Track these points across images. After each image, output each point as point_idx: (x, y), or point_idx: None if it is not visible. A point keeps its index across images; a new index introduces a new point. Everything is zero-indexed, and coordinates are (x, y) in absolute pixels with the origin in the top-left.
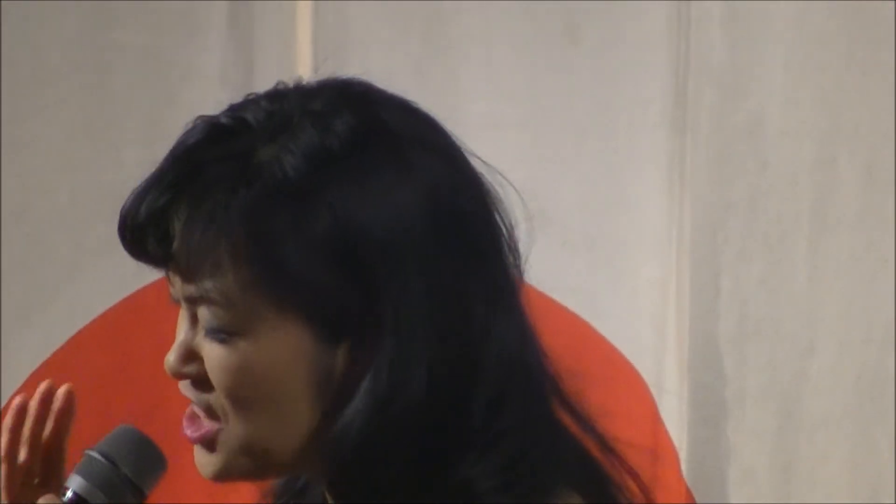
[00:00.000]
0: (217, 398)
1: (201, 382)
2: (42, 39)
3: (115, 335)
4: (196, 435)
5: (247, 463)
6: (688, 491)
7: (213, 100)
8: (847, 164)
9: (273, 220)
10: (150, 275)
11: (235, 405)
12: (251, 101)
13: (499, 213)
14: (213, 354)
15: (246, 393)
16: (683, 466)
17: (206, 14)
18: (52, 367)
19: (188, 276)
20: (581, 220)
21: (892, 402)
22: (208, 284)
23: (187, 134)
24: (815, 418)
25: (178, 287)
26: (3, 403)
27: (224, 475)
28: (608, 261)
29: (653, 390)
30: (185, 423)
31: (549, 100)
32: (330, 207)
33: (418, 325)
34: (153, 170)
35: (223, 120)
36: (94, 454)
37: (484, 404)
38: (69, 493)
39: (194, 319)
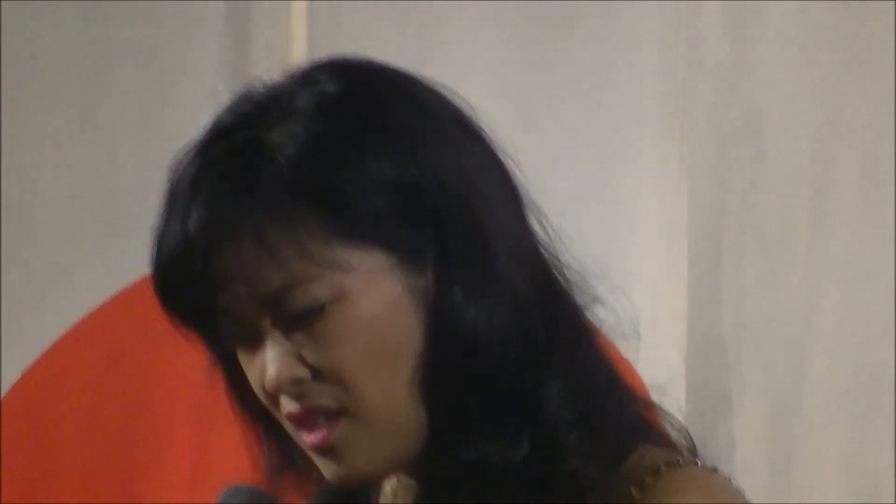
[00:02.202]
0: (329, 390)
1: (309, 383)
2: (39, 36)
3: (104, 332)
4: (321, 437)
5: (374, 454)
6: None
7: (209, 97)
8: (845, 159)
9: (319, 164)
10: (143, 272)
11: (353, 373)
12: (229, 110)
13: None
14: (319, 333)
15: (360, 354)
16: None
17: (203, 11)
18: (44, 365)
19: (260, 276)
20: (576, 217)
21: (891, 398)
22: (289, 268)
23: (185, 162)
24: (813, 414)
25: (248, 300)
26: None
27: (356, 475)
28: (603, 257)
29: (650, 387)
30: (303, 433)
31: (544, 96)
32: (366, 135)
33: (497, 249)
34: (168, 205)
35: (212, 131)
36: None
37: (559, 343)
38: None
39: (279, 321)
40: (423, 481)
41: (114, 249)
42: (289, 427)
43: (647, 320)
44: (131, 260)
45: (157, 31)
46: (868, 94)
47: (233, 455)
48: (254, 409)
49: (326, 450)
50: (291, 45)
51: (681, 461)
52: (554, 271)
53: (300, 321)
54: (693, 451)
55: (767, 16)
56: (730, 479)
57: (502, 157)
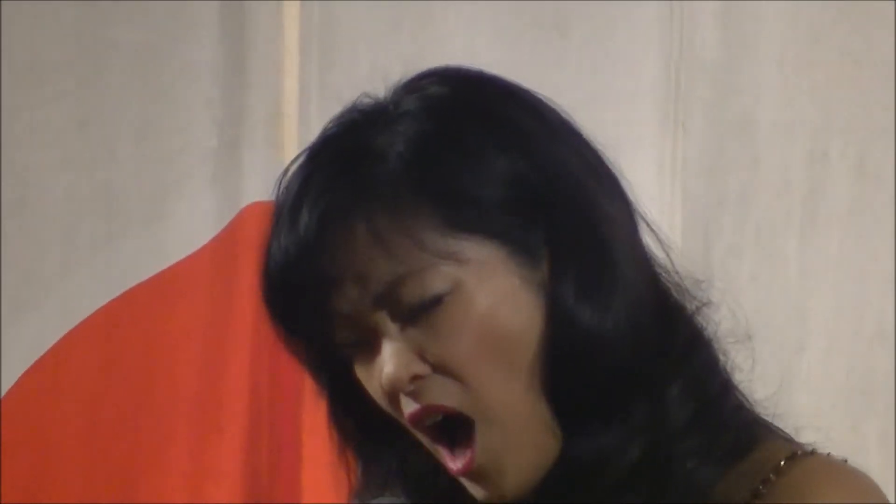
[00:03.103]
0: (449, 385)
1: (429, 379)
2: (38, 37)
3: (105, 333)
4: (467, 462)
5: (521, 467)
6: None
7: (205, 97)
8: (839, 159)
9: (431, 158)
10: (143, 272)
11: (474, 367)
12: (339, 118)
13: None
14: (436, 326)
15: (478, 345)
16: None
17: (198, 12)
18: (44, 366)
19: (375, 270)
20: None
21: (882, 398)
22: (403, 258)
23: (297, 173)
24: (805, 414)
25: (362, 298)
26: None
27: (508, 492)
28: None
29: None
30: (447, 459)
31: (540, 89)
32: (475, 129)
33: (611, 241)
34: (277, 214)
35: (324, 137)
36: None
37: (675, 346)
38: None
39: (395, 317)
40: (541, 479)
41: (113, 249)
42: (427, 444)
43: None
44: (131, 259)
45: (154, 31)
46: (862, 94)
47: (234, 455)
48: (358, 429)
49: (475, 474)
50: (284, 45)
51: (813, 450)
52: (664, 275)
53: (416, 314)
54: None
55: (763, 17)
56: (860, 471)
57: (608, 162)
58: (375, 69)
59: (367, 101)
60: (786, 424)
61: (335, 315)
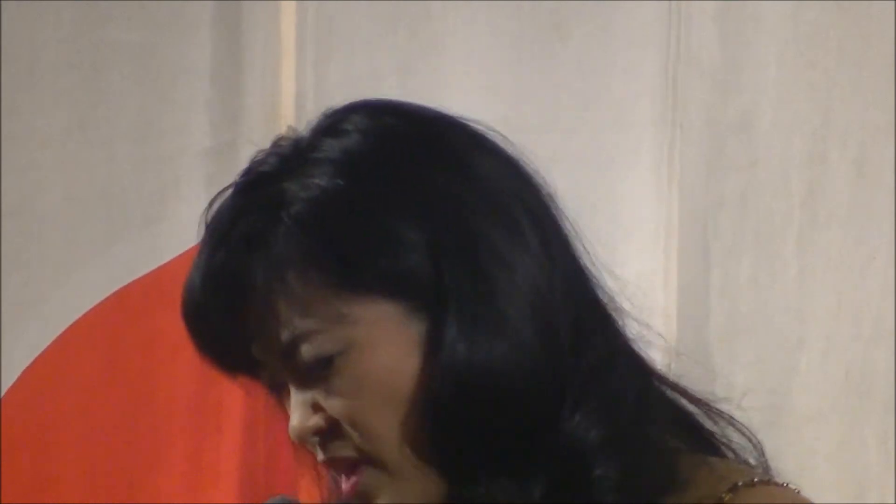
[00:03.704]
0: (350, 437)
1: (329, 431)
2: (37, 38)
3: (103, 331)
4: (350, 486)
5: (402, 499)
6: None
7: (203, 98)
8: (837, 160)
9: (327, 220)
10: (141, 273)
11: (367, 420)
12: (260, 157)
13: (551, 201)
14: (331, 384)
15: (372, 401)
16: None
17: (195, 13)
18: (43, 364)
19: (272, 331)
20: (570, 217)
21: (881, 398)
22: (294, 323)
23: (214, 215)
24: (804, 414)
25: (269, 350)
26: None
27: None
28: (596, 257)
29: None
30: (340, 481)
31: (537, 97)
32: (376, 189)
33: (501, 286)
34: (196, 261)
35: (240, 181)
36: None
37: (581, 375)
38: None
39: (295, 376)
40: None
41: (112, 250)
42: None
43: (638, 320)
44: (130, 260)
45: (151, 32)
46: (861, 95)
47: (232, 455)
48: None
49: (358, 496)
50: (281, 46)
51: (756, 479)
52: (597, 301)
53: (312, 373)
54: (765, 463)
55: (762, 18)
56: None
57: (544, 198)
58: (372, 70)
59: (285, 142)
60: (785, 424)
61: (257, 361)
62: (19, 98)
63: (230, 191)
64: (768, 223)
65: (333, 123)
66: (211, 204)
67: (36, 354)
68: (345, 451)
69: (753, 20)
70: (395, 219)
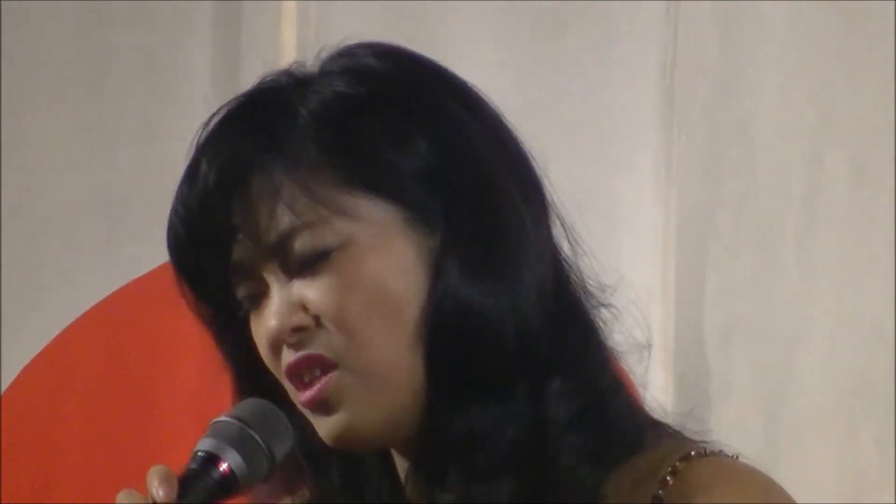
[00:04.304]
0: (330, 337)
1: (309, 330)
2: (39, 40)
3: (105, 328)
4: (315, 391)
5: (369, 409)
6: None
7: (204, 99)
8: (836, 161)
9: (343, 117)
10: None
11: (355, 321)
12: (271, 76)
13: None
14: (324, 278)
15: (362, 302)
16: None
17: (196, 14)
18: (43, 363)
19: (270, 221)
20: (568, 218)
21: (879, 399)
22: (297, 211)
23: (221, 118)
24: (802, 415)
25: (256, 249)
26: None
27: (351, 431)
28: (597, 255)
29: (638, 386)
30: (299, 392)
31: (536, 98)
32: (393, 100)
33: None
34: (187, 168)
35: (253, 88)
36: (222, 417)
37: (564, 342)
38: (199, 454)
39: (285, 269)
40: (415, 458)
41: (115, 252)
42: (289, 389)
43: (636, 320)
44: (132, 261)
45: (152, 34)
46: (860, 96)
47: None
48: (255, 391)
49: (321, 404)
50: (281, 47)
51: (707, 450)
52: (569, 275)
53: (305, 266)
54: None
55: (762, 20)
56: (755, 468)
57: (530, 160)
58: None
59: (297, 65)
60: (783, 424)
61: (232, 267)
62: (21, 99)
63: (225, 108)
64: (767, 224)
65: (342, 52)
66: (206, 124)
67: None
68: (323, 348)
69: (753, 22)
70: (409, 128)
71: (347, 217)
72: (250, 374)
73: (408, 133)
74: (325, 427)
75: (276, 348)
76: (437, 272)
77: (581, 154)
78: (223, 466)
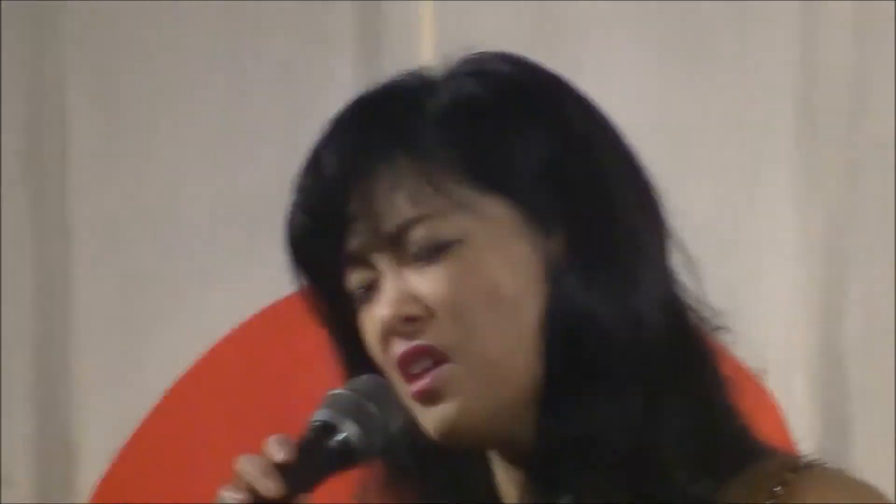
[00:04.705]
0: (443, 329)
1: (421, 320)
2: (183, 44)
3: (248, 349)
4: (426, 381)
5: (478, 402)
6: None
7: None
8: None
9: (471, 116)
10: (287, 285)
11: (468, 314)
12: (401, 77)
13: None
14: (439, 270)
15: (477, 296)
16: None
17: (337, 25)
18: (189, 381)
19: (389, 209)
20: (714, 228)
21: (881, 399)
22: (419, 201)
23: (351, 106)
24: (804, 414)
25: (373, 238)
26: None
27: (457, 423)
28: (736, 268)
29: (781, 397)
30: (408, 383)
31: (681, 108)
32: (519, 104)
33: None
34: (309, 155)
35: (386, 83)
36: (336, 390)
37: (680, 359)
38: (315, 423)
39: (401, 260)
40: (520, 463)
41: (256, 258)
42: (396, 381)
43: (779, 333)
44: (273, 268)
45: (295, 44)
46: None
47: None
48: None
49: (430, 394)
50: (420, 50)
51: (816, 462)
52: (682, 294)
53: (421, 258)
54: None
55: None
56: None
57: (648, 174)
58: None
59: (424, 68)
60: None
61: (346, 255)
62: (165, 106)
63: (356, 100)
64: None
65: (468, 59)
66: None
67: (173, 365)
68: (435, 339)
69: (886, 32)
70: (533, 131)
71: (467, 212)
72: (359, 365)
73: (531, 136)
74: (431, 418)
75: (386, 338)
76: (554, 276)
77: (724, 164)
78: (341, 436)
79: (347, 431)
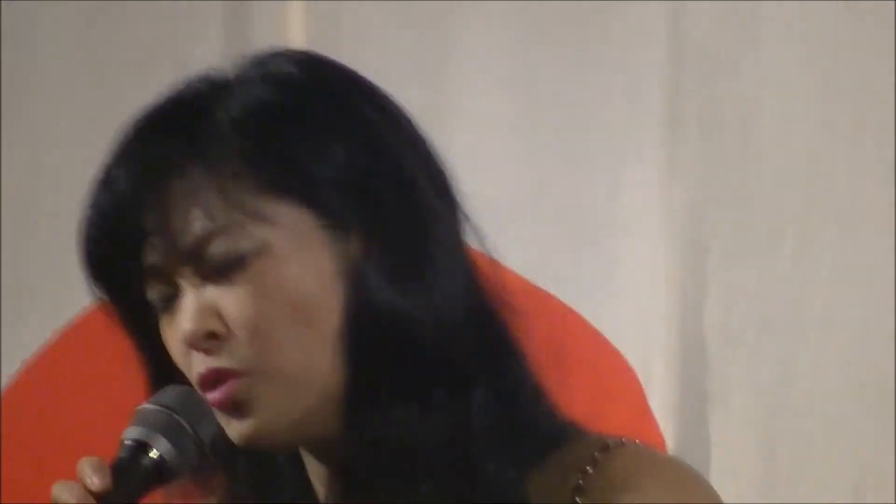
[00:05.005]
0: (241, 349)
1: (221, 338)
2: (38, 35)
3: (106, 325)
4: (222, 392)
5: (279, 413)
6: None
7: None
8: (840, 157)
9: (263, 123)
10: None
11: (267, 330)
12: (186, 83)
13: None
14: (239, 286)
15: (277, 310)
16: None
17: (205, 11)
18: (45, 360)
19: (185, 224)
20: (573, 212)
21: (878, 394)
22: (214, 215)
23: (139, 121)
24: (801, 410)
25: (171, 252)
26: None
27: (259, 434)
28: (599, 251)
29: (641, 380)
30: (207, 392)
31: (543, 94)
32: (311, 107)
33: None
34: (101, 172)
35: (171, 93)
36: (145, 405)
37: (486, 352)
38: (127, 442)
39: (200, 274)
40: (331, 461)
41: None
42: (200, 392)
43: (639, 315)
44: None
45: (160, 30)
46: (865, 92)
47: None
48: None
49: (230, 406)
50: (290, 44)
51: (623, 441)
52: (482, 281)
53: (220, 272)
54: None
55: (763, 14)
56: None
57: (443, 164)
58: (381, 69)
59: (215, 71)
60: (783, 421)
61: (145, 270)
62: (22, 98)
63: (142, 113)
64: (769, 220)
65: (257, 60)
66: (121, 132)
67: (35, 349)
68: (234, 361)
69: (755, 17)
70: (326, 134)
71: (264, 222)
72: (164, 371)
73: (324, 139)
74: (233, 429)
75: (188, 355)
76: (354, 278)
77: (585, 150)
78: (153, 453)
79: (160, 449)
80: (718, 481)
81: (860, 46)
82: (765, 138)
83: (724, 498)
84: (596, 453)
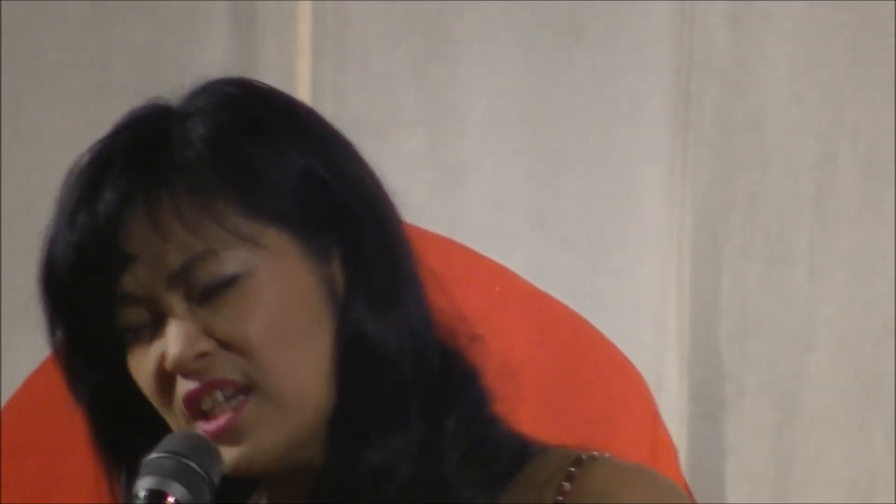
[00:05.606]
0: (235, 362)
1: (211, 356)
2: (43, 36)
3: None
4: (223, 422)
5: (277, 436)
6: (686, 487)
7: None
8: (848, 160)
9: (233, 145)
10: None
11: (260, 346)
12: (141, 109)
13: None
14: (228, 306)
15: (267, 328)
16: (682, 463)
17: (210, 12)
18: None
19: (172, 247)
20: (582, 218)
21: (890, 399)
22: (203, 236)
23: (98, 151)
24: (814, 415)
25: (155, 278)
26: (3, 403)
27: (257, 460)
28: (609, 258)
29: (652, 387)
30: (197, 422)
31: (550, 97)
32: (276, 131)
33: (388, 251)
34: (67, 199)
35: (128, 120)
36: (153, 455)
37: (452, 373)
38: (142, 493)
39: (188, 297)
40: (301, 493)
41: None
42: (179, 420)
43: (650, 321)
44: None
45: (165, 32)
46: (871, 95)
47: None
48: (118, 445)
49: (231, 433)
50: (296, 46)
51: (596, 454)
52: (438, 309)
53: (209, 294)
54: None
55: (773, 19)
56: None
57: (388, 193)
58: (387, 71)
59: (158, 100)
60: (795, 424)
61: (123, 296)
62: (22, 98)
63: (102, 142)
64: (778, 224)
65: (198, 89)
66: (80, 158)
67: (40, 357)
68: (230, 372)
69: (765, 21)
70: (293, 150)
71: (250, 244)
72: (124, 411)
73: (293, 158)
74: (229, 456)
75: (167, 379)
76: (341, 304)
77: (593, 154)
78: (171, 500)
79: (176, 494)
80: (733, 489)
81: (869, 51)
82: (775, 144)
83: None
84: (570, 468)
